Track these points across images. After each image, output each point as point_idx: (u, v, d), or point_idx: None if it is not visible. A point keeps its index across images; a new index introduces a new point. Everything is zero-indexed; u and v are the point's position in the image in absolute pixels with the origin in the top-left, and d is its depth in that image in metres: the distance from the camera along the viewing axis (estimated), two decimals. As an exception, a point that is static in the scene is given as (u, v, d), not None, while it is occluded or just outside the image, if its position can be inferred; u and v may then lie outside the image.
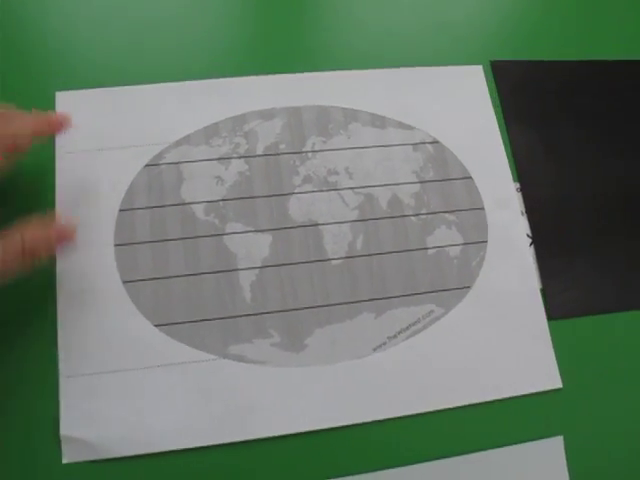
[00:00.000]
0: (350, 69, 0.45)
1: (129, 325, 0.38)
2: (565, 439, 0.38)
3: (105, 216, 0.40)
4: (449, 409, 0.38)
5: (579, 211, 0.43)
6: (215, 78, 0.44)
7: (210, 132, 0.42)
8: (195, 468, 0.36)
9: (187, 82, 0.44)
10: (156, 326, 0.38)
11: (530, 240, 0.42)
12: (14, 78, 0.43)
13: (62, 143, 0.41)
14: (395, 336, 0.39)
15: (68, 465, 0.36)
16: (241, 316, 0.39)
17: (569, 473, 0.38)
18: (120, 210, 0.40)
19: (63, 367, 0.37)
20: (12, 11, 0.45)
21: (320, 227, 0.41)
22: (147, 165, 0.41)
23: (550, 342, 0.40)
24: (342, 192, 0.42)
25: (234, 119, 0.43)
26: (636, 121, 0.46)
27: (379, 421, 0.38)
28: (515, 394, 0.39)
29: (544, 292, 0.41)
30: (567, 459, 0.38)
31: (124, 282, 0.39)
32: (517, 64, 0.47)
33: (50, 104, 0.42)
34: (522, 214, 0.43)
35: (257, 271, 0.40)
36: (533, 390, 0.39)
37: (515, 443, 0.38)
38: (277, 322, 0.39)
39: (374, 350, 0.39)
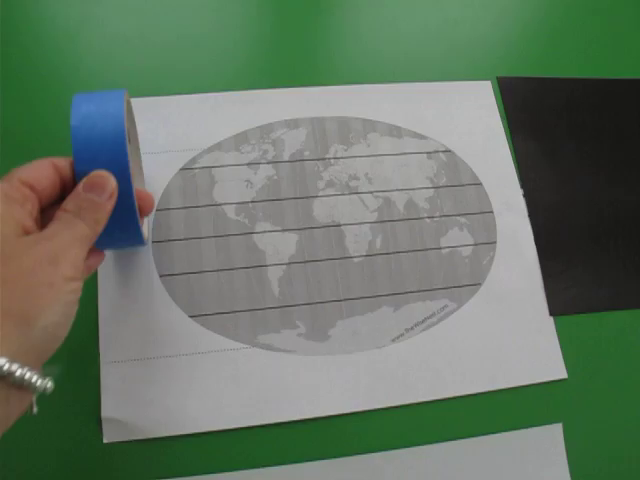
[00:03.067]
0: (368, 83, 0.49)
1: (165, 316, 0.41)
2: (567, 427, 0.41)
3: (143, 215, 0.43)
4: (460, 397, 0.41)
5: (578, 216, 0.47)
6: (244, 90, 0.47)
7: (240, 139, 0.46)
8: (227, 449, 0.39)
9: (219, 93, 0.47)
10: (190, 317, 0.41)
11: (533, 241, 0.45)
12: (59, 87, 0.46)
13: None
14: (412, 328, 0.42)
15: (108, 445, 0.38)
16: (269, 308, 0.42)
17: (568, 459, 0.41)
18: (157, 210, 0.43)
19: (103, 354, 0.40)
20: (61, 25, 0.48)
21: (342, 227, 0.44)
22: (182, 169, 0.44)
23: (555, 335, 0.43)
24: (362, 196, 0.45)
25: (262, 128, 0.46)
26: (633, 135, 0.50)
27: (396, 407, 0.41)
28: (523, 384, 0.42)
29: (546, 291, 0.44)
30: (567, 446, 0.41)
31: (161, 276, 0.42)
32: (522, 80, 0.50)
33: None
34: (526, 217, 0.46)
35: (284, 267, 0.43)
36: (540, 380, 0.42)
37: (519, 429, 0.41)
38: (303, 314, 0.42)
39: (392, 341, 0.42)
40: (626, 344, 0.44)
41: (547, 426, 0.41)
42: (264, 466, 0.39)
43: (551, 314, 0.43)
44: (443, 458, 0.40)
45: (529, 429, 0.41)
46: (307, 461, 0.39)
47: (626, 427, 0.42)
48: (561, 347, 0.43)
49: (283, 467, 0.39)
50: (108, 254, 0.42)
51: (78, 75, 0.47)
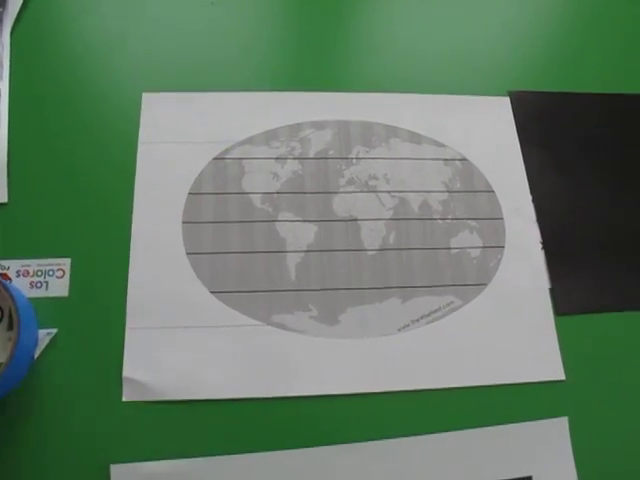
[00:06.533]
0: (391, 92, 0.52)
1: (189, 290, 0.44)
2: (571, 422, 0.43)
3: (176, 197, 0.47)
4: (460, 387, 0.43)
5: (584, 221, 0.49)
6: (276, 91, 0.51)
7: (270, 136, 0.49)
8: (234, 416, 0.41)
9: (253, 92, 0.51)
10: (212, 292, 0.44)
11: (541, 245, 0.48)
12: (105, 79, 0.51)
13: (144, 136, 0.48)
14: (418, 320, 0.45)
15: (126, 403, 0.41)
16: (285, 291, 0.44)
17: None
18: (189, 193, 0.47)
19: (129, 320, 0.43)
20: (108, 20, 0.53)
21: (359, 222, 0.47)
22: (214, 159, 0.48)
23: (555, 337, 0.45)
24: (380, 194, 0.48)
25: (291, 127, 0.50)
26: (634, 147, 0.53)
27: (398, 392, 0.43)
28: (520, 381, 0.44)
29: (552, 292, 0.46)
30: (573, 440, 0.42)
31: (187, 253, 0.45)
32: (532, 94, 0.54)
33: (137, 103, 0.50)
34: (534, 223, 0.48)
35: (302, 254, 0.46)
36: (537, 379, 0.44)
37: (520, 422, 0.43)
38: (316, 299, 0.44)
39: (398, 330, 0.44)
40: (628, 344, 0.46)
41: (553, 419, 0.43)
42: (264, 433, 0.41)
43: (557, 313, 0.46)
44: (447, 448, 0.42)
45: (535, 422, 0.43)
46: (304, 435, 0.41)
47: (627, 422, 0.44)
48: (565, 347, 0.45)
49: (278, 452, 0.41)
50: (140, 230, 0.45)
51: (129, 65, 0.52)
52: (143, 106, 0.49)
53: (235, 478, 0.40)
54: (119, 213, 0.46)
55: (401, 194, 0.48)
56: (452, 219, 0.48)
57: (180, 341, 0.43)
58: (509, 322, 0.45)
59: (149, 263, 0.44)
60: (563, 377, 0.44)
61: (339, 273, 0.45)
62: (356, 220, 0.47)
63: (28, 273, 0.44)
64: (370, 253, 0.46)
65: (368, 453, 0.41)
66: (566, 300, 0.46)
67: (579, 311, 0.46)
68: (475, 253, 0.47)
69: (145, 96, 0.50)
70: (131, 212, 0.46)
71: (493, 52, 0.56)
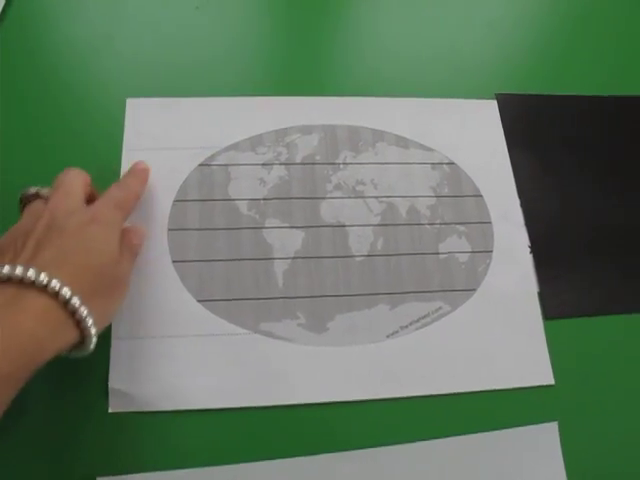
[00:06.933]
0: (378, 96, 0.52)
1: (175, 298, 0.43)
2: (561, 427, 0.43)
3: (162, 205, 0.46)
4: (450, 394, 0.43)
5: (573, 224, 0.49)
6: (262, 96, 0.51)
7: (256, 141, 0.49)
8: (222, 426, 0.41)
9: (239, 97, 0.50)
10: (198, 301, 0.43)
11: (529, 249, 0.48)
12: (90, 84, 0.50)
13: (129, 142, 0.48)
14: (407, 326, 0.44)
15: (113, 414, 0.40)
16: (273, 298, 0.44)
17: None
18: (175, 201, 0.46)
19: (115, 330, 0.42)
20: (94, 24, 0.53)
21: (346, 228, 0.47)
22: (200, 165, 0.48)
23: (545, 342, 0.45)
24: (367, 200, 0.48)
25: (277, 132, 0.49)
26: (623, 148, 0.53)
27: (388, 399, 0.42)
28: (510, 386, 0.43)
29: (541, 295, 0.46)
30: (563, 445, 0.42)
31: (174, 261, 0.44)
32: (519, 97, 0.54)
33: (121, 109, 0.49)
34: (523, 226, 0.48)
35: (289, 261, 0.45)
36: (527, 384, 0.44)
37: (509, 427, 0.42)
38: (304, 306, 0.44)
39: (387, 337, 0.44)
40: (617, 347, 0.46)
41: (543, 425, 0.43)
42: (253, 443, 0.41)
43: (546, 317, 0.45)
44: (438, 455, 0.41)
45: (525, 427, 0.42)
46: (293, 444, 0.41)
47: (617, 426, 0.44)
48: (554, 352, 0.44)
49: (266, 462, 0.40)
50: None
51: (112, 70, 0.51)
52: (127, 112, 0.49)
53: (223, 488, 0.40)
54: (104, 221, 0.45)
55: (389, 199, 0.48)
56: (440, 224, 0.48)
57: (167, 350, 0.42)
58: (498, 327, 0.45)
59: (135, 271, 0.43)
60: (552, 382, 0.44)
61: (327, 280, 0.45)
62: (343, 226, 0.47)
63: (11, 283, 0.43)
64: (358, 259, 0.46)
65: (360, 461, 0.41)
66: (555, 304, 0.46)
67: (568, 315, 0.46)
68: (463, 258, 0.47)
69: (129, 101, 0.49)
70: (116, 220, 0.45)
71: (479, 54, 0.56)
